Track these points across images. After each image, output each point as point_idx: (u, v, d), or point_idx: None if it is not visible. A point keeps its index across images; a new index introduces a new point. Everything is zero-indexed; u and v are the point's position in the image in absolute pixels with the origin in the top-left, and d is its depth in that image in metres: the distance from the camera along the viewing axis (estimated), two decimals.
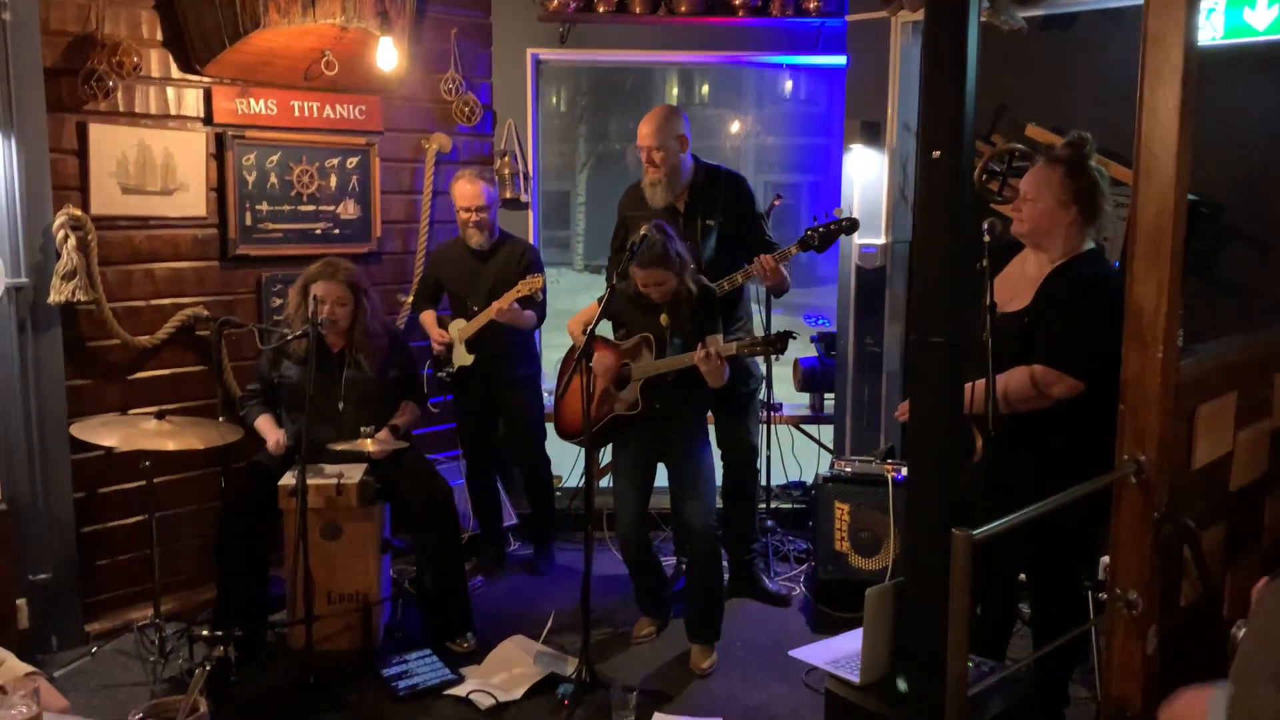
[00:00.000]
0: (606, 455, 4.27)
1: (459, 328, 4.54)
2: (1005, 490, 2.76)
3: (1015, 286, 3.08)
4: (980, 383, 2.77)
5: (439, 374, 4.65)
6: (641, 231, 3.65)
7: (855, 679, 2.65)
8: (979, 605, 3.40)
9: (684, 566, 4.45)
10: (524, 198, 5.27)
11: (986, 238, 2.92)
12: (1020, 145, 4.31)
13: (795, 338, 3.62)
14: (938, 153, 2.35)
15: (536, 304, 4.44)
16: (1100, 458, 2.26)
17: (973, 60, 2.31)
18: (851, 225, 4.08)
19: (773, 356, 3.74)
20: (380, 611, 3.98)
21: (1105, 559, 3.06)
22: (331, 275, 3.92)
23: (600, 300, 3.85)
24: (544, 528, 4.91)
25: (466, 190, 4.45)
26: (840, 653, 2.83)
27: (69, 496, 3.94)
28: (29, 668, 2.49)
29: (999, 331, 2.83)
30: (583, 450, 4.16)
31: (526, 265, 4.47)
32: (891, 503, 4.13)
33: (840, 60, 5.02)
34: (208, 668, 2.02)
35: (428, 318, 4.68)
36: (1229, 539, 2.50)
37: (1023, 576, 3.38)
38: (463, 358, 4.54)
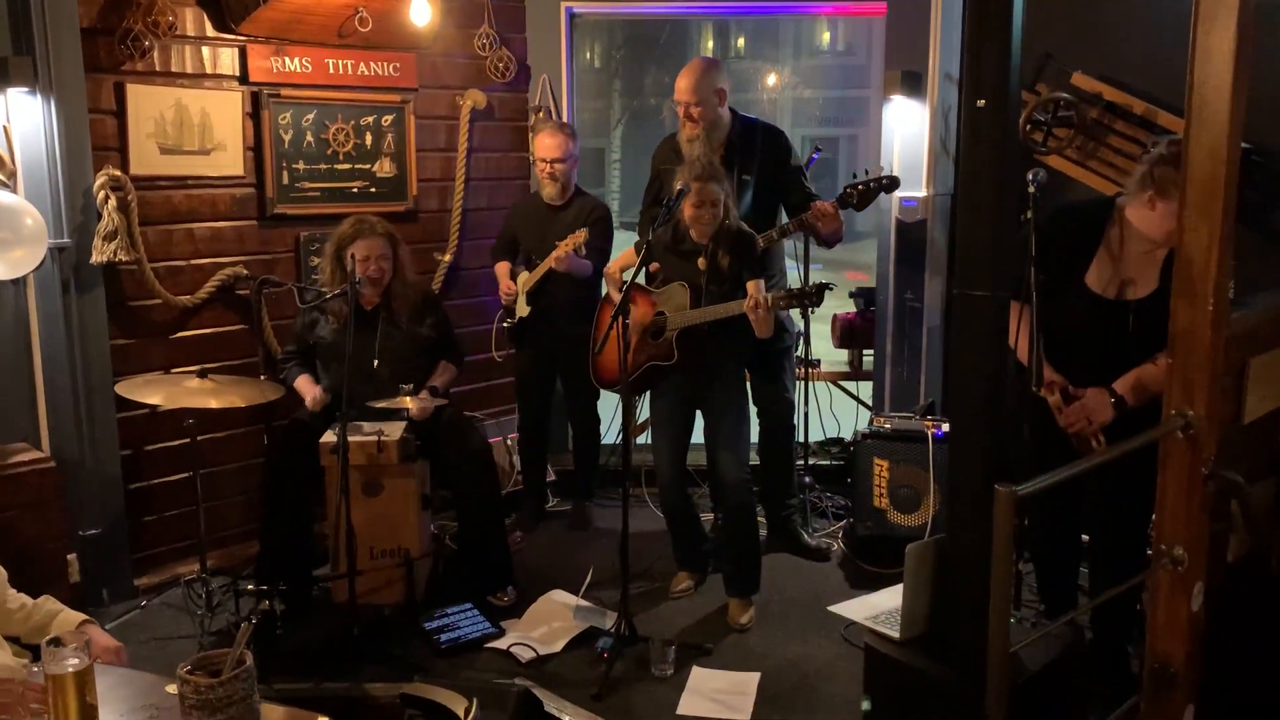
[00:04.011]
0: (643, 413, 4.27)
1: (524, 279, 4.57)
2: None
3: (1133, 268, 2.92)
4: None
5: (503, 324, 4.72)
6: (678, 185, 3.61)
7: (895, 634, 2.65)
8: (1020, 558, 3.39)
9: (720, 522, 4.46)
10: None
11: (1031, 189, 2.87)
12: (1065, 94, 4.21)
13: (832, 289, 3.58)
14: (982, 101, 2.30)
15: (597, 253, 4.43)
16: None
17: (1019, 6, 2.25)
18: (892, 183, 4.01)
19: (810, 311, 3.70)
20: (422, 566, 4.03)
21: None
22: (370, 232, 3.93)
23: (637, 246, 3.84)
24: (586, 484, 4.95)
25: (546, 142, 4.47)
26: (879, 608, 2.83)
27: (116, 454, 4.01)
28: (82, 616, 2.56)
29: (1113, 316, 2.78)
30: (619, 406, 4.17)
31: (594, 222, 4.45)
32: (931, 459, 4.10)
33: (880, 9, 4.92)
34: (253, 621, 2.05)
35: (501, 268, 4.73)
36: (1279, 494, 2.45)
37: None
38: (521, 308, 4.58)
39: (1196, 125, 2.01)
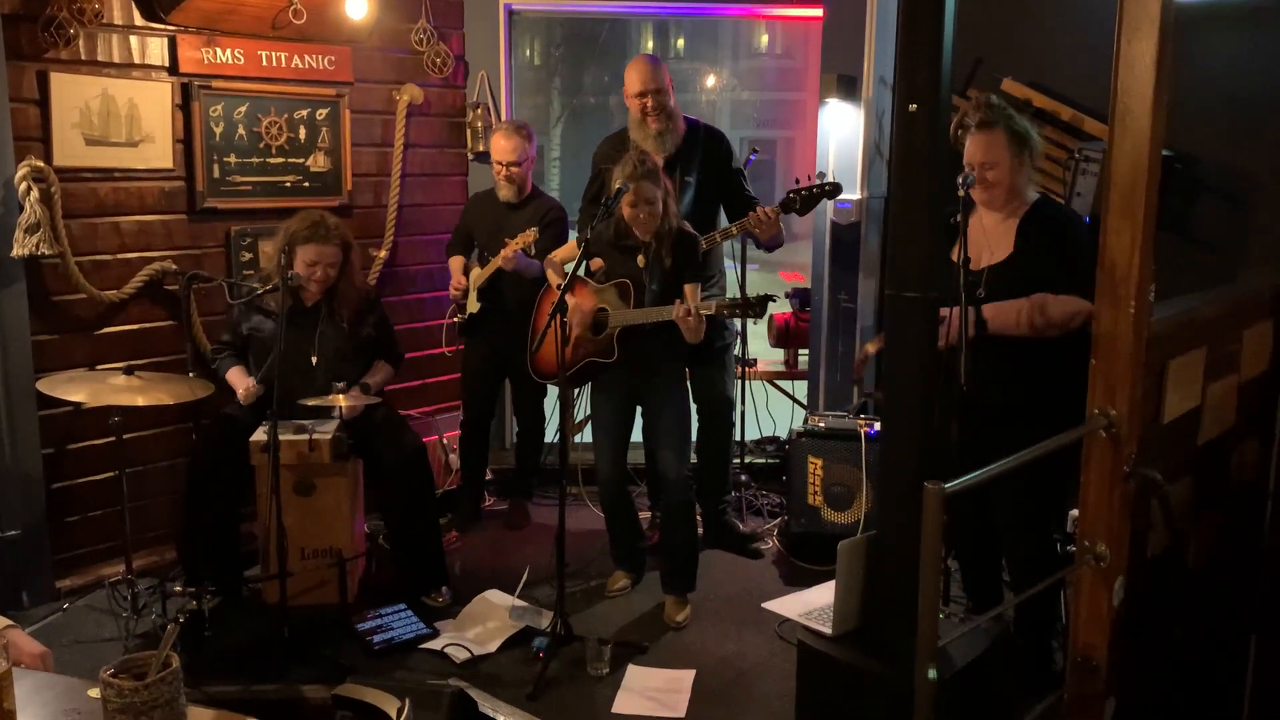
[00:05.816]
0: (582, 410, 4.27)
1: (475, 275, 4.55)
2: (982, 436, 2.79)
3: (980, 242, 3.10)
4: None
5: (454, 319, 4.71)
6: (617, 183, 3.61)
7: (827, 630, 2.68)
8: (949, 555, 3.46)
9: (658, 519, 4.47)
10: None
11: (961, 192, 2.93)
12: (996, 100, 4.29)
13: (775, 300, 3.63)
14: (914, 106, 2.34)
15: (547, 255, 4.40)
16: (1077, 408, 2.27)
17: (951, 12, 2.29)
18: (834, 189, 4.07)
19: (753, 321, 3.73)
20: (355, 567, 3.98)
21: (1074, 512, 3.12)
22: (324, 239, 3.84)
23: (579, 242, 3.84)
24: (526, 482, 4.93)
25: (501, 145, 4.47)
26: (812, 605, 2.86)
27: (37, 453, 3.90)
28: (5, 620, 2.48)
29: (973, 286, 2.84)
30: (557, 405, 4.16)
31: (548, 224, 4.45)
32: (864, 457, 4.16)
33: (817, 12, 4.97)
34: (181, 623, 2.00)
35: (455, 263, 4.71)
36: (1196, 492, 2.53)
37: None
38: (472, 304, 4.57)
39: (1120, 132, 2.07)
